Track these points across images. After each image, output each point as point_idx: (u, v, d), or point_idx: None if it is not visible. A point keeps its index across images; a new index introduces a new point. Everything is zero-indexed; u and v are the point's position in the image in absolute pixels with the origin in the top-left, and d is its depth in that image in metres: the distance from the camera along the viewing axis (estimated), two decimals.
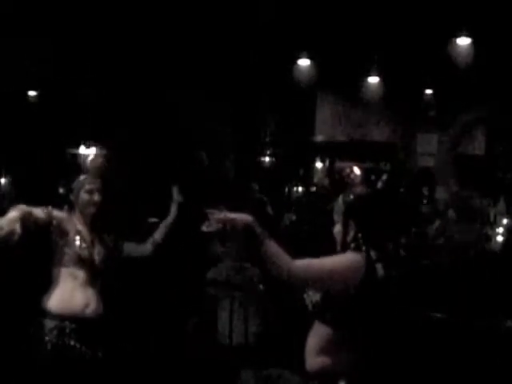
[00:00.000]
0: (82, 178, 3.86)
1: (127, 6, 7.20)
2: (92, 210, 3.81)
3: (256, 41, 8.00)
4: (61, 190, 3.91)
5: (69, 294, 3.70)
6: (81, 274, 3.72)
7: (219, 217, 2.63)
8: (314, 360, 2.75)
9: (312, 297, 2.76)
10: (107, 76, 8.59)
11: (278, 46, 8.11)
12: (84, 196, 3.80)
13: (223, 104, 9.95)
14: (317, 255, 2.89)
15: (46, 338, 3.61)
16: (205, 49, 8.11)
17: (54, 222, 3.69)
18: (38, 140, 8.91)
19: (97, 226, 3.86)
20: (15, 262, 5.08)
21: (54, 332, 3.62)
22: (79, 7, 7.09)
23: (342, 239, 2.83)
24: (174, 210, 4.33)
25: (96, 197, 3.81)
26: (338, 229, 2.86)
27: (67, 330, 3.63)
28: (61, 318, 3.65)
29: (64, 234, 3.72)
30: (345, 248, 2.83)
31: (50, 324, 3.64)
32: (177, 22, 7.50)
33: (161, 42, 7.97)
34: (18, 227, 3.27)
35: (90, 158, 3.73)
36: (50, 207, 3.67)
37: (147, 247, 4.17)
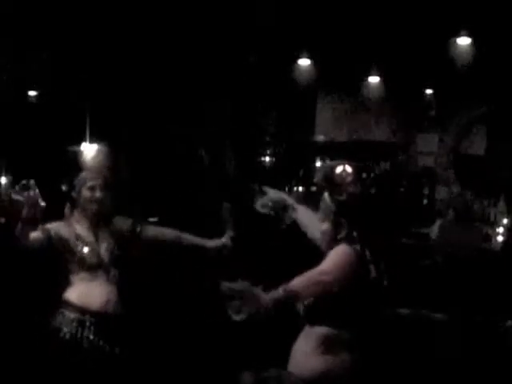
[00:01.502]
0: (83, 174, 3.83)
1: (128, 4, 7.20)
2: (94, 206, 3.75)
3: (256, 41, 8.00)
4: (63, 188, 3.87)
5: (88, 292, 3.68)
6: (94, 275, 3.70)
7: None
8: (307, 364, 2.72)
9: (305, 313, 2.73)
10: (109, 75, 8.60)
11: (278, 46, 8.10)
12: (86, 193, 3.75)
13: (223, 104, 9.95)
14: (316, 255, 2.89)
15: (65, 329, 3.61)
16: (205, 49, 8.11)
17: (52, 233, 3.67)
18: (40, 138, 8.90)
19: (100, 222, 3.81)
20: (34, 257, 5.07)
21: (74, 324, 3.62)
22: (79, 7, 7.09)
23: (332, 238, 2.82)
24: (219, 242, 3.94)
25: (97, 193, 3.75)
26: (325, 227, 2.85)
27: (87, 324, 3.63)
28: (81, 311, 3.65)
29: (63, 241, 3.69)
30: (333, 247, 2.82)
31: (70, 316, 3.64)
32: (177, 21, 7.49)
33: (161, 41, 7.96)
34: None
35: (92, 154, 3.68)
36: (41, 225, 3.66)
37: (172, 234, 3.92)
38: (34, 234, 3.59)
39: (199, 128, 9.70)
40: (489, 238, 6.97)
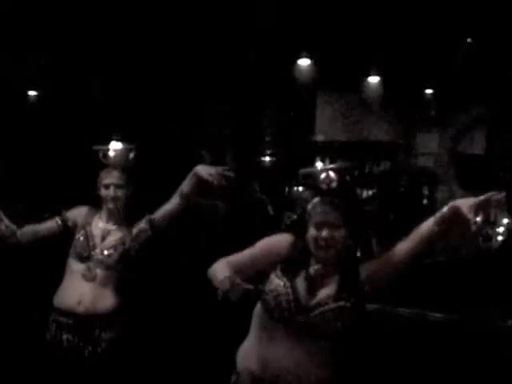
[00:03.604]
0: (102, 172, 3.87)
1: (128, 3, 7.20)
2: (110, 204, 3.77)
3: (256, 40, 8.00)
4: None
5: (65, 288, 3.73)
6: (76, 267, 3.71)
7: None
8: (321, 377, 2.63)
9: (339, 322, 2.63)
10: (109, 76, 8.61)
11: (278, 46, 8.10)
12: (102, 191, 3.80)
13: (223, 104, 9.95)
14: None
15: (50, 331, 3.67)
16: (205, 49, 8.11)
17: (70, 223, 3.78)
18: (71, 138, 8.89)
19: (121, 221, 3.82)
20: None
21: (54, 325, 3.67)
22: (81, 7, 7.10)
23: (338, 249, 2.68)
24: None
25: (111, 192, 3.76)
26: (329, 234, 2.64)
27: (64, 325, 3.65)
28: (59, 312, 3.69)
29: (74, 229, 3.78)
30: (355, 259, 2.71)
31: (51, 317, 3.70)
32: (177, 21, 7.50)
33: (162, 42, 7.97)
34: None
35: (109, 153, 3.66)
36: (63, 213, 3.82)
37: (168, 204, 3.75)
38: (48, 224, 3.78)
39: (199, 128, 9.70)
40: (489, 237, 6.95)
